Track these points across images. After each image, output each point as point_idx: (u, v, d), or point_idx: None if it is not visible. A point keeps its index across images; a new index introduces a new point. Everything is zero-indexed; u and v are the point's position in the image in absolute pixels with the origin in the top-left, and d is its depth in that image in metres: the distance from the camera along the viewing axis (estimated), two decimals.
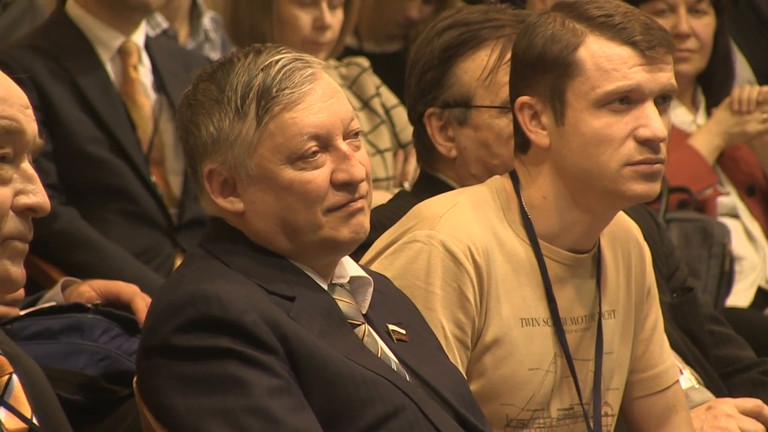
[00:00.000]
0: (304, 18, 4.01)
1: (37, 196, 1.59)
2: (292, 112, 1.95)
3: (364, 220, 2.03)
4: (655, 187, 2.27)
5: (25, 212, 1.56)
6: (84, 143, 3.65)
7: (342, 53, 4.11)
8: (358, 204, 1.97)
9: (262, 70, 1.95)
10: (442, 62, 2.86)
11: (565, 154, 2.38)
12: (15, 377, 1.65)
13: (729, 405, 2.88)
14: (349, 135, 1.98)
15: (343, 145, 1.94)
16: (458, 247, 2.34)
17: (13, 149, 1.55)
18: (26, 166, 1.58)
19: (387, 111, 4.08)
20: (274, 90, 1.94)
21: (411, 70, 2.82)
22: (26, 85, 3.57)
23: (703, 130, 4.36)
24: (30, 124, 1.63)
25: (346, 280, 2.10)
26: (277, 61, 1.96)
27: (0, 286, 1.63)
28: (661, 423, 2.73)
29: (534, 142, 2.28)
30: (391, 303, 2.21)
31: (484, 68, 2.74)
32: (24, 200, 1.55)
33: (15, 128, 1.58)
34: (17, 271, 1.60)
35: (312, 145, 1.91)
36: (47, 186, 3.05)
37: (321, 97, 1.99)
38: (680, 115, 4.43)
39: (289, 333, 1.91)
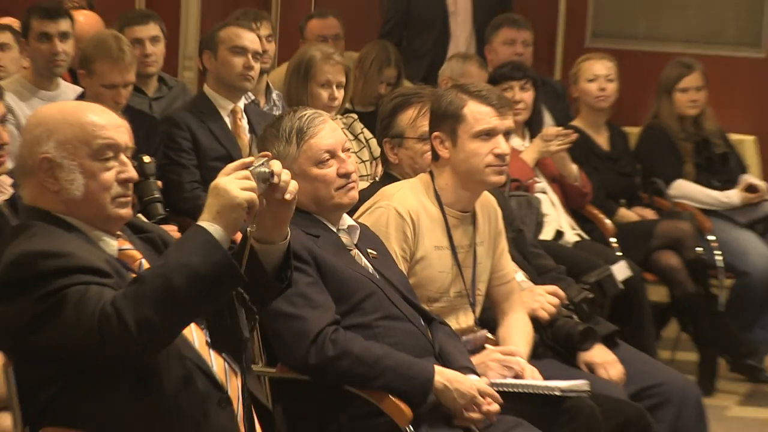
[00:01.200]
0: (323, 94, 6.02)
1: (129, 173, 2.59)
2: (315, 139, 3.40)
3: (355, 194, 3.62)
4: (503, 178, 4.30)
5: (123, 182, 2.58)
6: (212, 160, 5.67)
7: (343, 111, 6.30)
8: (351, 185, 3.50)
9: (298, 119, 3.41)
10: (391, 115, 4.61)
11: (457, 162, 4.05)
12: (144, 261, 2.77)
13: (540, 288, 4.76)
14: (345, 150, 3.52)
15: (342, 155, 3.43)
16: (403, 210, 3.96)
17: (113, 152, 2.54)
18: (123, 158, 2.58)
19: (367, 141, 6.23)
20: (305, 128, 3.42)
21: (378, 120, 4.85)
22: (183, 128, 5.72)
23: (528, 149, 6.68)
24: (122, 136, 2.63)
25: (345, 226, 3.65)
26: (306, 115, 3.46)
27: (115, 222, 2.65)
28: (506, 299, 4.47)
29: (441, 156, 3.99)
30: (369, 239, 3.72)
31: (411, 117, 4.49)
32: (122, 176, 2.55)
33: (112, 143, 2.56)
34: (126, 211, 2.64)
35: (326, 156, 3.40)
36: (194, 181, 5.69)
37: (329, 131, 3.45)
38: (516, 141, 6.61)
39: (316, 253, 3.39)
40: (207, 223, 2.53)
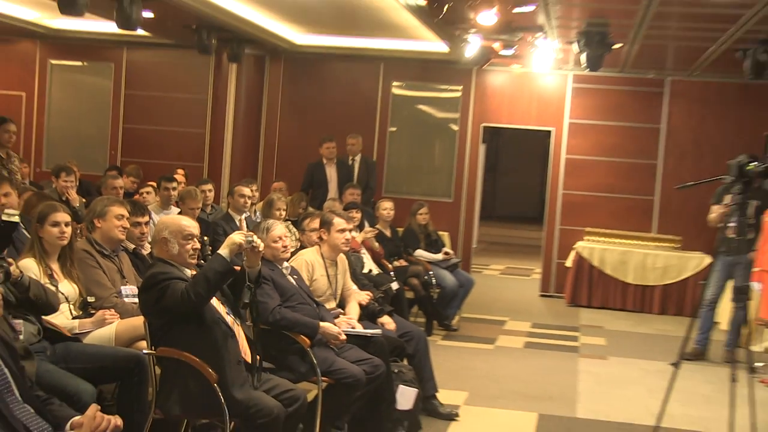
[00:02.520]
0: (277, 214, 9.94)
1: (197, 246, 5.86)
2: (273, 231, 6.80)
3: (288, 254, 7.13)
4: (348, 248, 8.36)
5: (194, 250, 5.84)
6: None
7: (285, 219, 10.15)
8: (287, 251, 7.03)
9: (267, 223, 6.99)
10: (302, 220, 8.85)
11: (330, 242, 7.58)
12: None
13: (362, 292, 8.06)
14: (285, 236, 7.04)
15: (284, 239, 7.01)
16: (308, 260, 7.45)
17: (192, 237, 5.68)
18: (196, 240, 5.80)
19: (294, 232, 9.51)
20: (269, 227, 6.83)
21: (298, 223, 9.34)
22: (219, 227, 10.09)
23: (359, 236, 10.16)
24: (196, 231, 5.87)
25: (285, 266, 6.97)
26: (270, 222, 7.13)
27: (189, 265, 5.93)
28: (348, 296, 7.77)
29: (324, 238, 7.54)
30: (294, 271, 7.11)
31: (310, 222, 8.50)
32: (194, 247, 5.78)
33: (192, 233, 5.74)
34: (194, 261, 5.94)
35: (277, 239, 6.77)
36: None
37: (280, 228, 6.95)
38: (355, 233, 9.57)
39: (273, 276, 6.70)
40: (221, 251, 5.51)
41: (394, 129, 17.07)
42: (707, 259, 14.25)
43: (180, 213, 9.78)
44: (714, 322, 11.55)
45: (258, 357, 6.05)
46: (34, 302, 5.53)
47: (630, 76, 16.21)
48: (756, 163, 7.70)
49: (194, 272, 5.84)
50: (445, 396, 8.44)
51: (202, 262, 6.00)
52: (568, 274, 15.51)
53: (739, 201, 7.99)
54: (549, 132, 16.80)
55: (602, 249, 15.25)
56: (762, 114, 15.92)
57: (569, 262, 15.43)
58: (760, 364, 10.59)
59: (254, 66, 17.19)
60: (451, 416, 8.22)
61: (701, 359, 11.14)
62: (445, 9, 11.73)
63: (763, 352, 11.47)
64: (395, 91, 16.97)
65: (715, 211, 11.11)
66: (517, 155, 26.76)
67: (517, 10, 6.78)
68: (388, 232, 12.22)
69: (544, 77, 16.65)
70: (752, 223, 9.73)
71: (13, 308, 5.36)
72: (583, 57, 12.73)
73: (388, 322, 8.03)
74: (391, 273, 11.01)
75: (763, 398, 9.00)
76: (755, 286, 9.87)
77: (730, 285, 10.59)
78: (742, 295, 8.74)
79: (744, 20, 10.79)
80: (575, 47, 12.82)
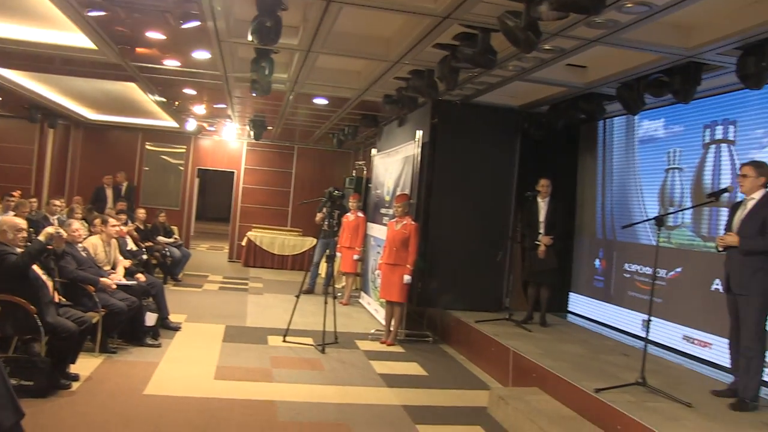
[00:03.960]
0: None
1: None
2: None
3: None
4: None
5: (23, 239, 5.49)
6: None
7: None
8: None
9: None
10: (102, 223, 11.33)
11: (105, 232, 8.73)
12: None
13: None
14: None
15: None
16: (94, 242, 8.55)
17: (23, 228, 5.81)
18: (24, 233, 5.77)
19: None
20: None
21: None
22: None
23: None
24: (25, 225, 5.53)
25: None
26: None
27: (20, 246, 5.22)
28: (117, 263, 9.48)
29: None
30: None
31: None
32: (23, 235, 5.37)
33: (23, 227, 6.34)
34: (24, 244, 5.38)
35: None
36: None
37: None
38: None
39: (72, 251, 6.95)
40: (40, 237, 5.49)
41: (147, 168, 17.37)
42: (314, 240, 14.98)
43: (15, 215, 8.59)
44: (318, 273, 12.38)
45: (61, 297, 6.12)
46: None
47: (277, 143, 17.91)
48: (337, 191, 9.01)
49: (22, 250, 5.66)
50: (174, 317, 8.57)
51: (29, 243, 5.75)
52: (243, 249, 16.11)
53: (329, 210, 9.38)
54: (233, 172, 17.76)
55: (261, 235, 16.15)
56: (341, 166, 17.89)
57: (244, 242, 16.00)
58: (339, 294, 11.39)
59: (64, 130, 16.82)
60: (177, 328, 8.33)
61: (311, 293, 11.72)
62: (176, 104, 12.66)
63: (340, 287, 12.19)
64: (148, 147, 17.26)
65: (319, 216, 11.76)
66: (217, 184, 27.21)
67: (184, 25, 6.27)
68: (142, 227, 12.03)
69: (231, 143, 17.69)
70: (336, 222, 11.09)
71: None
72: (252, 133, 14.22)
73: (140, 277, 7.88)
74: (143, 249, 10.52)
75: (341, 311, 10.17)
76: (338, 254, 11.42)
77: (326, 254, 11.54)
78: (331, 258, 10.21)
79: (333, 118, 12.47)
80: (248, 127, 14.29)
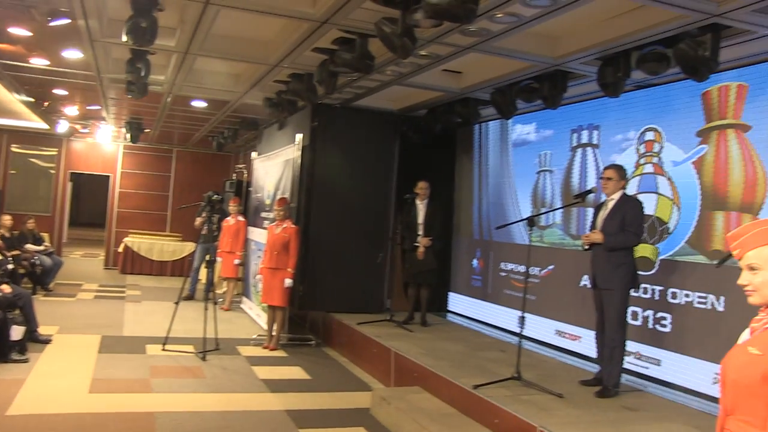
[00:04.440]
0: None
1: None
2: None
3: None
4: None
5: None
6: None
7: None
8: None
9: None
10: None
11: None
12: None
13: None
14: None
15: None
16: None
17: None
18: None
19: None
20: None
21: None
22: None
23: None
24: None
25: None
26: None
27: None
28: None
29: None
30: None
31: None
32: None
33: None
34: None
35: None
36: None
37: None
38: None
39: None
40: None
41: (14, 172, 16.70)
42: (194, 245, 13.96)
43: None
44: (198, 279, 12.18)
45: None
46: None
47: (155, 146, 17.61)
48: (217, 195, 8.93)
49: None
50: (44, 329, 8.27)
51: None
52: (120, 256, 15.91)
53: (208, 215, 9.25)
54: (109, 176, 17.42)
55: (139, 241, 15.95)
56: (222, 169, 17.83)
57: (121, 249, 15.77)
58: (220, 300, 11.39)
59: None
60: (47, 340, 8.03)
61: (192, 299, 11.60)
62: (45, 105, 12.21)
63: (221, 293, 12.02)
64: (14, 149, 16.55)
65: (198, 220, 11.58)
66: (92, 189, 26.34)
67: (53, 23, 6.05)
68: (8, 234, 11.43)
69: (106, 145, 17.35)
70: (216, 227, 10.81)
71: None
72: (129, 135, 14.03)
73: (5, 288, 7.58)
74: (9, 258, 10.11)
75: (222, 317, 10.25)
76: (218, 259, 11.32)
77: (206, 259, 11.07)
78: (211, 264, 9.79)
79: (213, 121, 12.43)
80: (124, 129, 14.24)
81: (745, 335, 2.11)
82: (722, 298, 5.71)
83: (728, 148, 5.89)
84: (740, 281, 2.08)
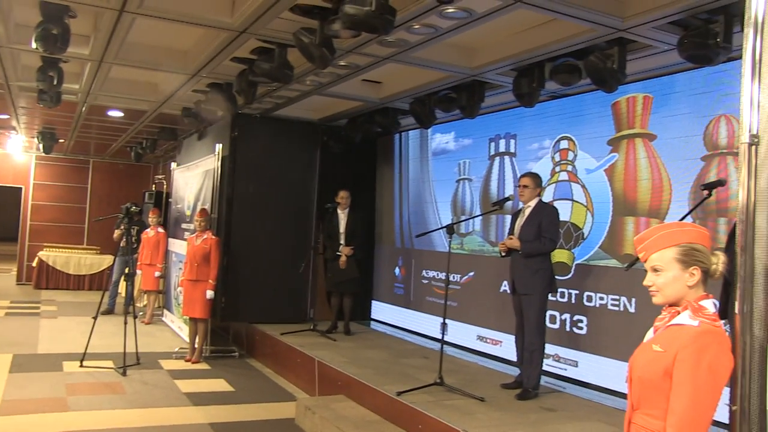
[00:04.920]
0: None
1: None
2: None
3: None
4: None
5: None
6: None
7: None
8: None
9: None
10: None
11: None
12: None
13: None
14: None
15: None
16: None
17: None
18: None
19: None
20: None
21: None
22: None
23: None
24: None
25: None
26: None
27: None
28: None
29: None
30: None
31: None
32: None
33: None
34: None
35: None
36: None
37: None
38: None
39: None
40: None
41: None
42: (112, 258, 12.95)
43: None
44: (118, 292, 12.11)
45: None
46: None
47: (70, 157, 17.22)
48: (135, 206, 8.84)
49: None
50: None
51: None
52: (33, 271, 15.50)
53: (127, 227, 8.98)
54: (21, 188, 17.14)
55: (55, 255, 15.58)
56: (141, 180, 17.68)
57: (35, 263, 15.39)
58: (141, 313, 11.14)
59: None
60: None
61: (111, 313, 11.47)
62: None
63: (142, 306, 11.83)
64: None
65: (117, 233, 11.00)
66: (2, 201, 25.59)
67: None
68: None
69: (17, 156, 16.95)
70: (135, 239, 10.81)
71: None
72: (42, 146, 13.61)
73: None
74: None
75: (143, 330, 10.07)
76: (138, 272, 11.13)
77: (125, 271, 11.47)
78: (131, 277, 9.41)
79: (130, 131, 12.25)
80: (36, 140, 14.08)
81: (649, 334, 2.25)
82: (633, 300, 5.89)
83: (637, 156, 6.11)
84: (645, 282, 2.20)
